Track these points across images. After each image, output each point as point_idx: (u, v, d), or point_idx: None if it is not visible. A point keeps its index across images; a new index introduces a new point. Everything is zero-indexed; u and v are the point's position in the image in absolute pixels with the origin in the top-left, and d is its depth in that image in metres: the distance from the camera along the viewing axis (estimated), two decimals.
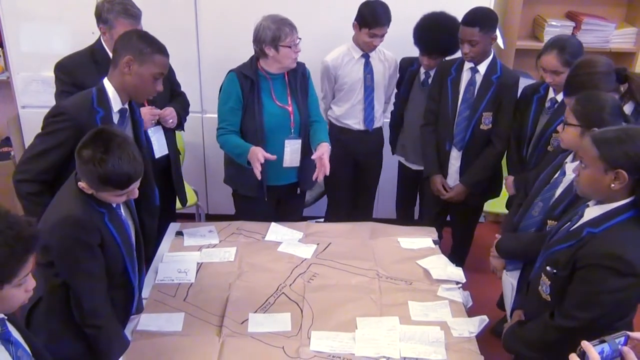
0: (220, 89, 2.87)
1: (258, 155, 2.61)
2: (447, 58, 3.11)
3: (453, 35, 2.93)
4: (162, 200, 2.67)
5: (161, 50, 2.26)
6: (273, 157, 2.65)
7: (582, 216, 1.87)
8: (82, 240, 1.86)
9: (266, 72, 2.80)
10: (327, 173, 2.70)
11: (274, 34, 2.68)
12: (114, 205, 1.98)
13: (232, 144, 2.79)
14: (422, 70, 3.20)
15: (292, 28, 2.70)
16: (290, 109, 2.83)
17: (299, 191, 3.03)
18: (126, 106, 2.30)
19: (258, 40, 2.73)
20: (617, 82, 2.42)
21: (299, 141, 2.85)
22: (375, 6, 3.02)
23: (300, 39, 2.74)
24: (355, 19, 3.07)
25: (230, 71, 2.84)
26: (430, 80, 3.18)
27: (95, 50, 2.70)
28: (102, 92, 2.23)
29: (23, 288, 1.45)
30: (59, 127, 2.18)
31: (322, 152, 2.72)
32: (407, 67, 3.28)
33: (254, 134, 2.78)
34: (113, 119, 2.25)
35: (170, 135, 2.93)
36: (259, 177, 2.63)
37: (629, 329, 1.83)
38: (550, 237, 2.00)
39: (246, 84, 2.78)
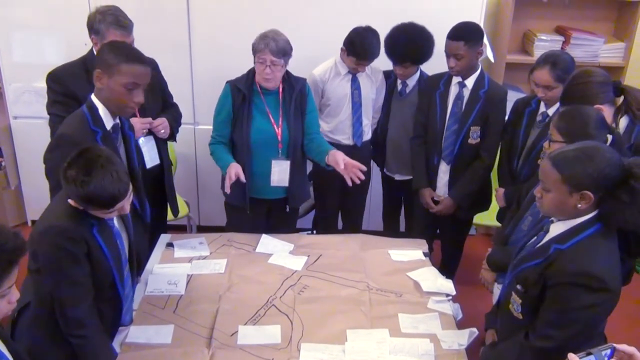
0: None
1: (232, 172, 2.64)
2: (434, 73, 3.13)
3: (422, 43, 2.98)
4: (154, 210, 2.67)
5: (129, 58, 2.16)
6: (242, 179, 2.66)
7: (547, 232, 1.86)
8: (67, 250, 1.86)
9: (260, 86, 2.79)
10: (364, 168, 2.64)
11: (253, 45, 2.71)
12: (105, 217, 1.98)
13: (217, 156, 2.85)
14: (399, 80, 3.22)
15: (267, 47, 2.64)
16: (279, 129, 2.81)
17: (288, 209, 2.99)
18: (117, 121, 2.28)
19: None
20: (613, 95, 2.44)
21: (288, 162, 2.83)
22: (365, 40, 2.99)
23: (280, 61, 2.67)
24: (344, 44, 3.06)
25: (227, 82, 2.85)
26: (407, 90, 3.21)
27: (87, 60, 2.69)
28: (93, 110, 2.19)
29: (6, 299, 1.44)
30: (66, 154, 2.08)
31: (341, 157, 2.65)
32: (384, 81, 3.30)
33: (241, 147, 2.80)
34: (111, 135, 2.23)
35: (162, 145, 2.93)
36: (227, 191, 2.69)
37: (601, 339, 1.85)
38: (516, 253, 2.00)
39: (238, 97, 2.78)
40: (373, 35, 3.03)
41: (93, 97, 2.22)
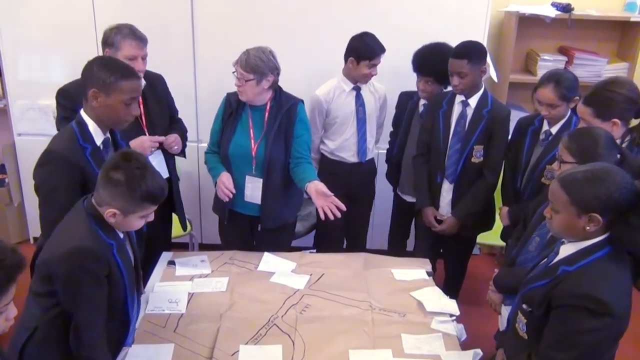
0: None
1: (223, 180, 2.75)
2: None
3: (447, 62, 2.99)
4: (159, 227, 2.68)
5: (125, 75, 2.16)
6: (232, 190, 2.74)
7: (557, 253, 1.85)
8: (92, 271, 1.84)
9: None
10: (343, 207, 2.58)
11: None
12: (121, 237, 1.97)
13: (209, 165, 2.90)
14: (421, 102, 3.23)
15: (238, 60, 2.69)
16: (255, 146, 2.79)
17: (259, 228, 2.94)
18: (108, 135, 2.27)
19: None
20: (633, 115, 2.44)
21: (260, 180, 2.81)
22: (367, 38, 3.06)
23: (249, 76, 2.66)
24: (351, 55, 3.09)
25: (227, 93, 2.89)
26: None
27: None
28: (83, 126, 2.18)
29: (4, 316, 1.42)
30: (55, 169, 2.13)
31: (325, 188, 2.62)
32: (407, 101, 3.31)
33: (222, 158, 2.86)
34: (101, 151, 2.22)
35: (170, 160, 2.94)
36: (223, 200, 2.76)
37: None
38: (527, 273, 1.98)
39: (228, 109, 2.83)
40: (370, 35, 3.08)
41: (82, 113, 2.21)
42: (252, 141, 2.80)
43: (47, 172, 2.15)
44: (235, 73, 2.72)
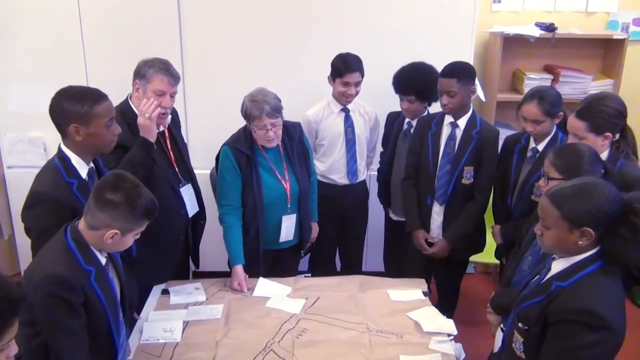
0: (216, 161, 2.86)
1: (240, 282, 2.72)
2: (431, 111, 3.17)
3: (428, 78, 3.04)
4: (183, 260, 2.86)
5: (96, 99, 2.14)
6: (245, 291, 2.72)
7: (549, 269, 1.85)
8: (65, 299, 1.82)
9: (259, 144, 2.77)
10: None
11: (246, 112, 2.68)
12: (102, 264, 1.95)
13: (227, 242, 2.81)
14: (406, 120, 3.25)
15: (262, 112, 2.60)
16: (287, 184, 2.80)
17: (302, 254, 3.06)
18: (92, 165, 2.25)
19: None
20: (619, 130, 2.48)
21: (294, 215, 2.86)
22: (339, 57, 3.12)
23: (278, 120, 2.65)
24: (330, 73, 3.15)
25: (224, 145, 2.79)
26: (412, 130, 3.22)
27: (124, 110, 2.62)
28: (66, 161, 2.16)
29: (4, 354, 1.39)
30: (44, 210, 2.10)
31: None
32: (393, 121, 3.33)
33: (253, 207, 2.77)
34: (87, 183, 2.20)
35: (198, 191, 2.90)
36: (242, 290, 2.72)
37: None
38: (520, 291, 1.98)
39: (242, 158, 2.73)
40: (352, 54, 3.12)
41: (63, 147, 2.19)
42: (282, 181, 2.80)
43: (36, 214, 2.13)
44: (261, 128, 2.64)
